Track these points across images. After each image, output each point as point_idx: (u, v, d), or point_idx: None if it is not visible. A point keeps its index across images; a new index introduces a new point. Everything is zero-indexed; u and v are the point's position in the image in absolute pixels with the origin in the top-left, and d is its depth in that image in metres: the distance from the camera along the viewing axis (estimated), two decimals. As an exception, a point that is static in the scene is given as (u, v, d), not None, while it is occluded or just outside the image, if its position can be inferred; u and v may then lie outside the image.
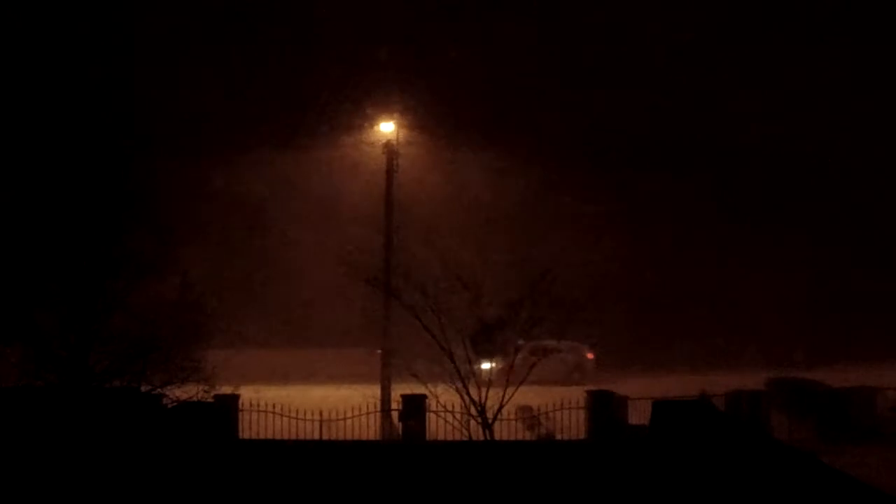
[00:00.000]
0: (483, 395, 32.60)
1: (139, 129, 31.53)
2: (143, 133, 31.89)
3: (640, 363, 47.36)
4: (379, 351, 42.36)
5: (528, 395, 34.64)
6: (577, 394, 36.88)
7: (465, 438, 31.81)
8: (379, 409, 37.30)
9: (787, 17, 53.49)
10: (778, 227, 53.40)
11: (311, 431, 35.08)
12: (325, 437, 34.72)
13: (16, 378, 28.11)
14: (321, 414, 35.60)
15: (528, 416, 36.36)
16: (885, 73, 52.53)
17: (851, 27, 53.59)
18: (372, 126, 44.13)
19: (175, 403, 27.32)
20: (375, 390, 39.42)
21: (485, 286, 33.38)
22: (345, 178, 47.29)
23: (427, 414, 34.83)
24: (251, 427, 34.69)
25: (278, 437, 33.93)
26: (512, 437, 33.88)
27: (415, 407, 35.36)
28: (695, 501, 19.33)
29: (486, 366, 45.25)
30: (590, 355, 49.82)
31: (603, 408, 36.19)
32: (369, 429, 35.96)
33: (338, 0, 53.45)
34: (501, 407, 32.74)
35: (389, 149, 42.74)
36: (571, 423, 35.80)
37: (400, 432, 36.00)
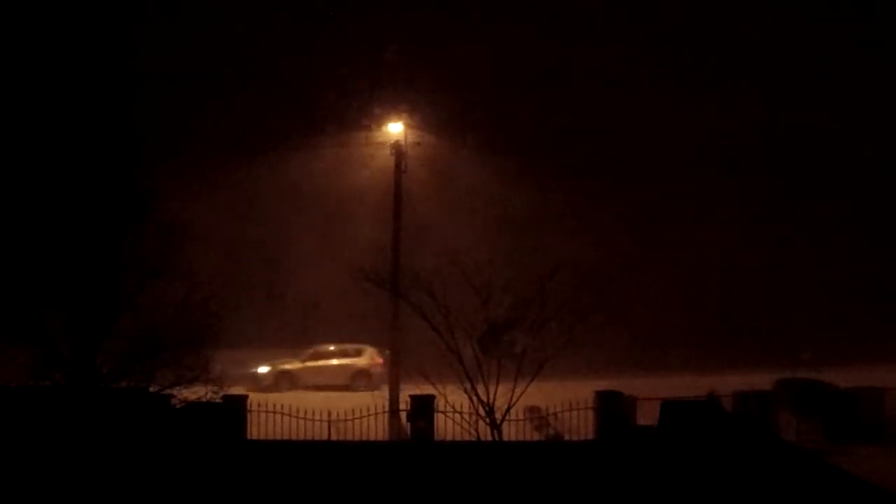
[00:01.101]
0: (492, 395, 32.61)
1: (146, 129, 31.50)
2: (150, 134, 31.87)
3: (646, 364, 47.28)
4: (387, 351, 42.40)
5: (536, 396, 34.62)
6: (584, 394, 36.82)
7: (473, 439, 31.80)
8: (387, 409, 37.34)
9: (792, 19, 53.46)
10: (785, 228, 53.34)
11: (319, 432, 35.11)
12: (333, 437, 34.75)
13: (23, 378, 28.09)
14: (329, 414, 35.62)
15: (537, 416, 36.38)
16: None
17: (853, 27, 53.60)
18: (380, 126, 44.15)
19: (183, 404, 27.33)
20: (384, 391, 39.46)
21: (493, 287, 33.34)
22: (353, 179, 47.29)
23: (435, 414, 34.83)
24: (260, 428, 34.71)
25: (287, 437, 33.96)
26: (520, 438, 33.88)
27: (423, 407, 35.35)
28: (703, 501, 19.33)
29: (263, 369, 45.41)
30: (379, 360, 48.64)
31: (611, 408, 36.16)
32: (378, 429, 35.98)
33: (346, 0, 53.52)
34: (510, 407, 32.73)
35: (397, 149, 42.74)
36: (580, 423, 35.80)
37: (408, 433, 36.01)
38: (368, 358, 48.38)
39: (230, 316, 32.37)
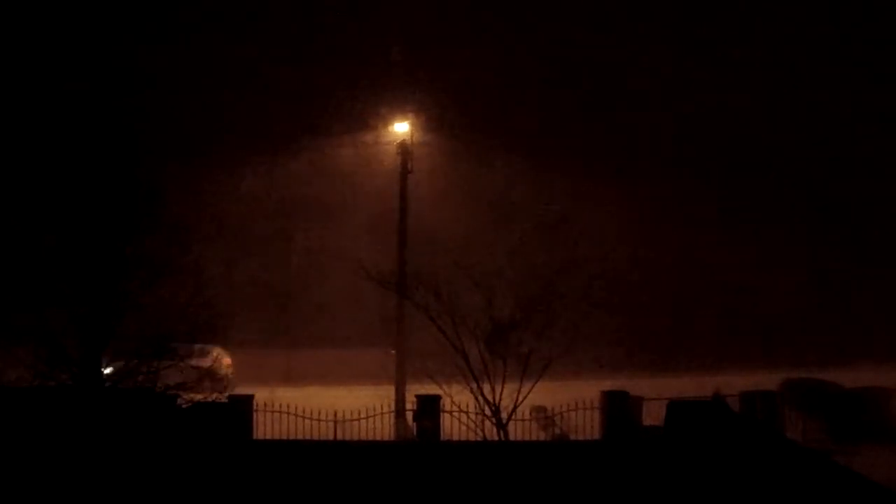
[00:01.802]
0: (497, 395, 32.58)
1: (152, 130, 31.56)
2: (156, 134, 31.94)
3: (652, 364, 47.26)
4: (393, 351, 42.34)
5: (542, 396, 34.59)
6: (590, 394, 36.75)
7: (479, 439, 31.79)
8: (393, 409, 37.32)
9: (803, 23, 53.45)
10: (791, 228, 53.33)
11: (325, 432, 35.09)
12: (339, 437, 34.72)
13: (29, 379, 28.13)
14: (336, 414, 35.60)
15: (543, 416, 36.34)
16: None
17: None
18: (386, 126, 44.10)
19: (189, 404, 27.35)
20: (390, 391, 39.43)
21: (498, 287, 33.32)
22: (359, 178, 47.30)
23: (441, 414, 34.80)
24: (266, 428, 34.71)
25: (293, 437, 33.95)
26: (526, 438, 33.85)
27: (429, 407, 35.31)
28: (710, 501, 19.34)
29: (107, 370, 44.80)
30: (228, 361, 47.53)
31: (617, 408, 36.11)
32: (384, 429, 35.95)
33: (353, 0, 53.55)
34: (516, 407, 32.69)
35: (404, 149, 42.64)
36: (586, 423, 35.74)
37: (414, 432, 35.98)
38: (213, 359, 47.53)
39: (235, 317, 32.44)
